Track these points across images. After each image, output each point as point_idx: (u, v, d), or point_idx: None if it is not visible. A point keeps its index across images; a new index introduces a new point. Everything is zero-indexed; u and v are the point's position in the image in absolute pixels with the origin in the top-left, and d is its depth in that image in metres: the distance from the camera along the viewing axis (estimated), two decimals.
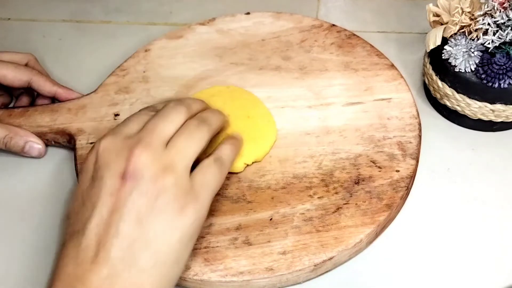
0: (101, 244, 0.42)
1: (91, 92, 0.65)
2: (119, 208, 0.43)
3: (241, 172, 0.56)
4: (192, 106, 0.51)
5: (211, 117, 0.51)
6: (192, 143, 0.47)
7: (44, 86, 0.63)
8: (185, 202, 0.44)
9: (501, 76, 0.55)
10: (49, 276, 0.48)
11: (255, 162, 0.57)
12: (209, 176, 0.47)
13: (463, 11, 0.57)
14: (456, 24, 0.57)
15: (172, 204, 0.44)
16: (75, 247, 0.42)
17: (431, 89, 0.62)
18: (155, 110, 0.50)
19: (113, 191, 0.43)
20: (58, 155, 0.62)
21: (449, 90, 0.59)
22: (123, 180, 0.43)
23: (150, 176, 0.43)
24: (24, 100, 0.65)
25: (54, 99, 0.65)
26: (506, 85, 0.55)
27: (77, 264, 0.42)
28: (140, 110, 0.51)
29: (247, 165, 0.57)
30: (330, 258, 0.50)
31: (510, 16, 0.55)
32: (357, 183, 0.55)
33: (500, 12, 0.55)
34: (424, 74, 0.63)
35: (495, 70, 0.55)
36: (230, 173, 0.55)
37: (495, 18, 0.55)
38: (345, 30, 0.69)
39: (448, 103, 0.60)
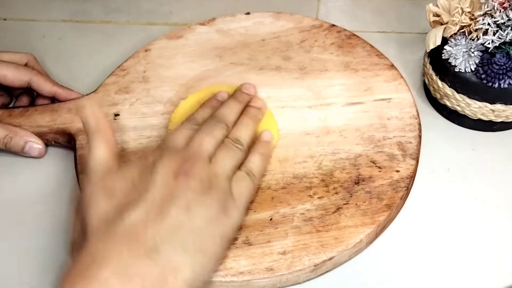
0: (151, 221, 0.44)
1: (91, 92, 0.64)
2: (171, 196, 0.46)
3: None
4: (230, 118, 0.56)
5: (243, 133, 0.55)
6: (230, 160, 0.52)
7: (44, 86, 0.63)
8: (228, 205, 0.48)
9: (501, 76, 0.55)
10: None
11: None
12: (243, 189, 0.51)
13: (463, 11, 0.57)
14: (456, 24, 0.57)
15: (217, 203, 0.48)
16: (122, 219, 0.44)
17: (431, 89, 0.62)
18: (197, 124, 0.55)
19: (166, 183, 0.47)
20: (58, 155, 0.62)
21: (449, 90, 0.59)
22: (176, 177, 0.47)
23: (199, 178, 0.48)
24: (24, 100, 0.65)
25: (54, 99, 0.65)
26: (506, 85, 0.55)
27: (126, 235, 0.44)
28: (182, 124, 0.56)
29: None
30: (330, 258, 0.50)
31: (510, 16, 0.55)
32: (357, 183, 0.55)
33: (500, 12, 0.55)
34: (424, 74, 0.63)
35: (495, 70, 0.55)
36: None
37: (495, 18, 0.55)
38: (345, 30, 0.69)
39: (448, 103, 0.60)
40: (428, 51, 0.60)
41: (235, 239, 0.51)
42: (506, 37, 0.55)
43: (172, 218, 0.45)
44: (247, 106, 0.59)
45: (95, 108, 0.52)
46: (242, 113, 0.58)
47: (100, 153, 0.50)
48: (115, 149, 0.51)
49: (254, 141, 0.56)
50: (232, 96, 0.60)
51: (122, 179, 0.48)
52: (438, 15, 0.59)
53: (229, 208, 0.48)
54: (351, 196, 0.54)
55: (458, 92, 0.58)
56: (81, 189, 0.49)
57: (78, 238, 0.46)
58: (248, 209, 0.53)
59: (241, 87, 0.61)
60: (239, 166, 0.53)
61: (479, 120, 0.59)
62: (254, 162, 0.54)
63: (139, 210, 0.45)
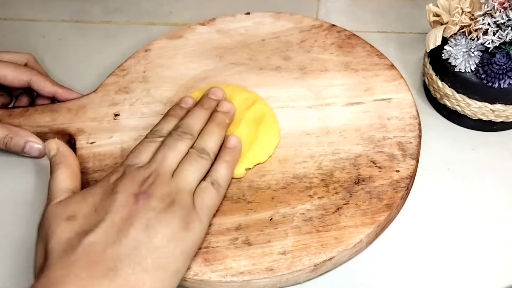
0: (110, 242, 0.45)
1: (91, 92, 0.64)
2: (130, 217, 0.47)
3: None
4: (195, 128, 0.56)
5: (209, 142, 0.55)
6: (194, 172, 0.52)
7: (44, 86, 0.63)
8: (189, 219, 0.48)
9: (501, 76, 0.55)
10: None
11: (258, 164, 0.57)
12: (207, 200, 0.51)
13: (463, 11, 0.57)
14: (456, 24, 0.57)
15: (178, 219, 0.48)
16: (81, 243, 0.45)
17: (431, 89, 0.62)
18: (161, 136, 0.55)
19: (126, 205, 0.47)
20: None
21: (449, 90, 0.59)
22: (136, 198, 0.48)
23: (159, 197, 0.48)
24: (24, 100, 0.65)
25: (53, 99, 0.65)
26: (506, 85, 0.55)
27: (85, 257, 0.45)
28: (146, 137, 0.55)
29: (249, 168, 0.57)
30: (330, 258, 0.50)
31: (510, 16, 0.55)
32: (357, 183, 0.55)
33: (500, 12, 0.55)
34: (424, 74, 0.63)
35: (495, 70, 0.55)
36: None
37: (495, 18, 0.55)
38: (345, 30, 0.69)
39: (448, 103, 0.60)
40: (428, 51, 0.60)
41: (235, 239, 0.51)
42: (506, 37, 0.55)
43: (131, 238, 0.46)
44: (213, 111, 0.58)
45: (60, 142, 0.55)
46: (209, 119, 0.57)
47: (61, 179, 0.52)
48: (78, 177, 0.53)
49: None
50: (198, 103, 0.59)
51: (83, 203, 0.49)
52: (438, 15, 0.59)
53: (191, 222, 0.48)
54: (351, 196, 0.54)
55: (458, 92, 0.58)
56: (43, 216, 0.50)
57: (41, 263, 0.46)
58: (248, 209, 0.53)
59: (208, 92, 0.60)
60: (205, 175, 0.53)
61: (479, 120, 0.59)
62: (219, 170, 0.53)
63: (99, 232, 0.46)
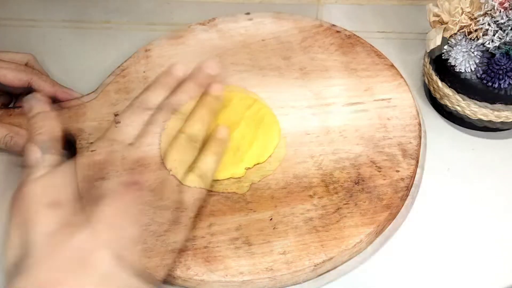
0: (102, 241, 0.43)
1: (91, 93, 0.64)
2: (121, 212, 0.44)
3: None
4: (187, 107, 0.53)
5: (199, 129, 0.52)
6: (185, 161, 0.50)
7: (44, 86, 0.63)
8: (180, 215, 0.48)
9: (501, 76, 0.55)
10: None
11: (257, 164, 0.57)
12: (197, 193, 0.50)
13: (463, 11, 0.57)
14: (456, 24, 0.57)
15: (168, 214, 0.47)
16: (70, 240, 0.42)
17: (431, 89, 0.62)
18: (148, 108, 0.52)
19: (115, 196, 0.45)
20: None
21: (449, 90, 0.59)
22: (127, 188, 0.45)
23: (150, 188, 0.46)
24: None
25: (54, 100, 0.65)
26: (506, 85, 0.55)
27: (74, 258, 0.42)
28: (131, 105, 0.53)
29: (249, 168, 0.57)
30: (330, 258, 0.50)
31: (510, 16, 0.55)
32: (357, 183, 0.55)
33: (500, 12, 0.55)
34: (424, 74, 0.63)
35: (495, 70, 0.55)
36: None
37: (495, 18, 0.55)
38: (345, 30, 0.69)
39: (448, 103, 0.60)
40: (428, 51, 0.60)
41: (236, 238, 0.51)
42: (506, 37, 0.55)
43: (126, 236, 0.43)
44: (204, 92, 0.55)
45: (42, 98, 0.51)
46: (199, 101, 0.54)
47: (42, 147, 0.46)
48: (59, 147, 0.48)
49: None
50: (192, 76, 0.56)
51: (67, 185, 0.45)
52: (438, 15, 0.59)
53: (181, 217, 0.47)
54: (351, 196, 0.54)
55: (458, 92, 0.58)
56: (17, 193, 0.44)
57: (17, 256, 0.42)
58: (248, 209, 0.53)
59: (203, 64, 0.56)
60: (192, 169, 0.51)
61: (479, 120, 0.59)
62: (208, 163, 0.52)
63: (88, 229, 0.42)
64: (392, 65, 0.64)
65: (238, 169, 0.56)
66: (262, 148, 0.57)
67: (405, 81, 0.63)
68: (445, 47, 0.58)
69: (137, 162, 0.48)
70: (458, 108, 0.59)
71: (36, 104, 0.51)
